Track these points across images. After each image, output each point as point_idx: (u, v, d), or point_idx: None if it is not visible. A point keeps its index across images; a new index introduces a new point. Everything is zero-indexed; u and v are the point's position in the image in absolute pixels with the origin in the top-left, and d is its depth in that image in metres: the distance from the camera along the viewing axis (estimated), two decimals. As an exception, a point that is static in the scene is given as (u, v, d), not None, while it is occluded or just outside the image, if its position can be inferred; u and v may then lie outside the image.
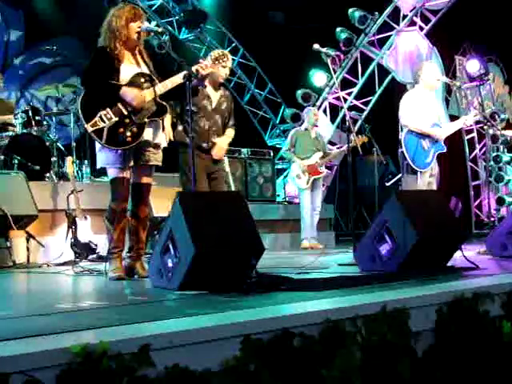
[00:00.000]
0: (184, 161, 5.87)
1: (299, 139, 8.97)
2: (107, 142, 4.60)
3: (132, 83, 4.69)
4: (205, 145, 5.95)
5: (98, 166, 4.89)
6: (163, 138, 4.91)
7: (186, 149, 5.76)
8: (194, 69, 4.70)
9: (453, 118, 11.41)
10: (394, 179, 11.23)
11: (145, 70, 4.80)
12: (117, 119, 4.62)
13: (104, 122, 4.59)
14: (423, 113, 6.71)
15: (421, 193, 5.81)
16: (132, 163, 4.78)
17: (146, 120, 4.71)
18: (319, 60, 8.55)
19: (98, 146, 4.75)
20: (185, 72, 4.66)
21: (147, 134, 4.74)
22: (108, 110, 4.62)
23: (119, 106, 4.64)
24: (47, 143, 8.00)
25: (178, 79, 4.71)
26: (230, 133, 6.16)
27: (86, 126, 4.60)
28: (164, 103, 4.77)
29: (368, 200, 11.44)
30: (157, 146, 4.86)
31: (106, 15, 4.81)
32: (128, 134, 4.64)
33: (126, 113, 4.64)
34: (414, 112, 6.67)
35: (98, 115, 4.60)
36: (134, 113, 4.65)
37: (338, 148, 9.98)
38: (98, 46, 4.76)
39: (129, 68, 4.73)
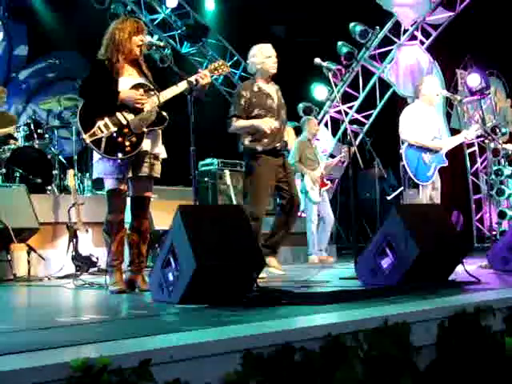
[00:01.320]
0: (254, 173, 5.82)
1: (305, 150, 8.92)
2: (106, 151, 4.60)
3: None
4: (278, 145, 5.89)
5: (95, 176, 4.89)
6: (162, 148, 4.91)
7: (256, 159, 5.75)
8: (193, 79, 4.71)
9: (454, 131, 11.41)
10: (395, 193, 11.23)
11: (144, 81, 4.81)
12: (115, 129, 4.62)
13: (102, 132, 4.59)
14: (423, 127, 6.72)
15: (422, 206, 5.80)
16: (130, 174, 4.77)
17: (145, 130, 4.71)
18: (320, 74, 8.57)
19: (95, 156, 4.75)
20: (185, 83, 4.67)
21: (146, 144, 4.74)
22: (106, 119, 4.62)
23: (118, 115, 4.64)
24: (49, 156, 8.01)
25: (177, 89, 4.72)
26: None
27: (84, 136, 4.59)
28: (164, 113, 4.78)
29: (369, 213, 11.44)
30: (156, 157, 4.86)
31: (108, 27, 4.84)
32: (127, 143, 4.63)
33: (124, 122, 4.64)
34: (413, 126, 6.68)
35: (97, 125, 4.59)
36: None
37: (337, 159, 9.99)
38: (97, 58, 4.78)
39: (128, 80, 4.74)
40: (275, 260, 6.00)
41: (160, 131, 4.87)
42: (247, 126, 5.79)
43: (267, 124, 5.68)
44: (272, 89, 6.01)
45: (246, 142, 5.84)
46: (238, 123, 5.80)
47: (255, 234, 5.74)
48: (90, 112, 4.65)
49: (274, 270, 5.86)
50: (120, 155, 4.61)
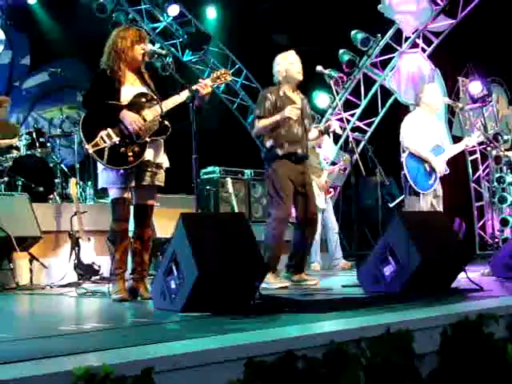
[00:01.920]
0: (274, 175, 5.78)
1: (311, 157, 8.84)
2: (109, 162, 4.61)
3: (133, 103, 4.70)
4: (300, 151, 5.85)
5: (100, 186, 4.90)
6: (165, 158, 4.92)
7: (275, 163, 5.73)
8: (194, 88, 4.72)
9: (456, 139, 11.41)
10: (396, 200, 11.22)
11: (146, 90, 4.82)
12: (118, 139, 4.63)
13: (105, 142, 4.60)
14: (424, 135, 6.73)
15: (424, 214, 5.80)
16: (133, 184, 4.78)
17: (148, 139, 4.72)
18: (322, 81, 8.59)
19: (100, 166, 4.76)
20: (186, 92, 4.68)
21: (149, 153, 4.75)
22: (109, 130, 4.63)
23: (120, 125, 4.65)
24: (51, 165, 8.03)
25: (179, 98, 4.73)
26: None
27: (87, 146, 4.60)
28: (166, 123, 4.79)
29: (371, 221, 11.41)
30: (159, 166, 4.86)
31: (110, 36, 4.85)
32: (130, 153, 4.64)
33: (127, 132, 4.65)
34: (414, 134, 6.69)
35: (99, 135, 4.60)
36: (133, 132, 4.65)
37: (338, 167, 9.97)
38: (100, 67, 4.79)
39: (130, 89, 4.75)
40: (303, 274, 5.90)
41: (162, 141, 4.87)
42: (271, 123, 5.75)
43: (291, 111, 5.64)
44: (297, 97, 5.98)
45: (268, 144, 5.82)
46: (262, 122, 5.78)
47: (279, 236, 5.71)
48: (92, 122, 4.66)
49: (308, 283, 5.80)
50: (123, 165, 4.62)
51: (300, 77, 5.93)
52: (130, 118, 4.62)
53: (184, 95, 4.70)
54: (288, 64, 5.90)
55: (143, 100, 4.74)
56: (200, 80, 4.84)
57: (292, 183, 5.77)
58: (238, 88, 13.09)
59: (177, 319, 3.57)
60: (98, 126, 4.63)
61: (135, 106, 4.70)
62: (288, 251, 6.01)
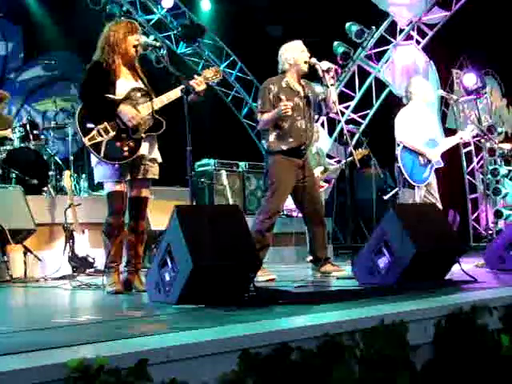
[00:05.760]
0: (272, 171, 5.71)
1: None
2: (105, 156, 4.60)
3: (128, 98, 4.68)
4: (303, 146, 5.76)
5: (96, 180, 4.88)
6: (158, 153, 4.91)
7: (275, 159, 5.70)
8: (189, 83, 4.70)
9: (450, 131, 11.43)
10: (391, 192, 11.25)
11: (140, 84, 4.81)
12: (114, 133, 4.62)
13: (102, 136, 4.59)
14: (418, 129, 6.73)
15: (419, 206, 5.81)
16: (128, 177, 4.78)
17: (143, 135, 4.71)
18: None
19: (94, 160, 4.74)
20: (182, 87, 4.66)
21: (143, 148, 4.74)
22: (106, 124, 4.62)
23: (117, 120, 4.64)
24: (45, 157, 8.01)
25: (174, 94, 4.72)
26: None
27: (83, 139, 4.59)
28: (161, 118, 4.77)
29: (366, 213, 11.44)
30: (153, 160, 4.86)
31: (103, 30, 4.83)
32: (125, 148, 4.63)
33: (123, 127, 4.64)
34: (408, 128, 6.69)
35: (96, 129, 4.59)
36: (132, 127, 4.65)
37: (336, 162, 9.93)
38: (94, 60, 4.77)
39: (125, 83, 4.73)
40: (330, 265, 5.91)
41: (156, 136, 4.86)
42: (272, 118, 5.63)
43: (284, 110, 5.50)
44: (300, 87, 5.87)
45: (272, 138, 5.71)
46: (264, 117, 5.66)
47: (266, 228, 5.66)
48: (89, 115, 4.64)
49: (335, 274, 5.78)
50: (118, 160, 4.61)
51: (305, 68, 5.86)
52: (128, 114, 4.60)
53: (179, 91, 4.67)
54: (297, 52, 5.83)
55: (138, 95, 4.72)
56: (195, 76, 4.80)
57: (292, 179, 5.73)
58: (233, 80, 13.08)
59: (171, 311, 3.57)
60: (94, 119, 4.62)
61: (130, 100, 4.69)
62: (277, 244, 5.96)
